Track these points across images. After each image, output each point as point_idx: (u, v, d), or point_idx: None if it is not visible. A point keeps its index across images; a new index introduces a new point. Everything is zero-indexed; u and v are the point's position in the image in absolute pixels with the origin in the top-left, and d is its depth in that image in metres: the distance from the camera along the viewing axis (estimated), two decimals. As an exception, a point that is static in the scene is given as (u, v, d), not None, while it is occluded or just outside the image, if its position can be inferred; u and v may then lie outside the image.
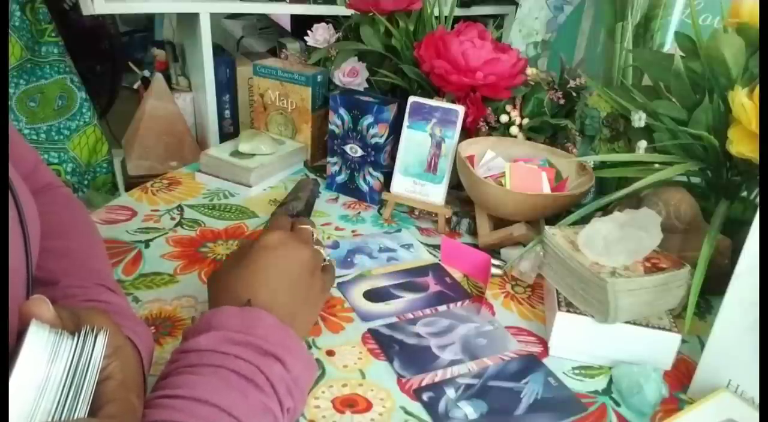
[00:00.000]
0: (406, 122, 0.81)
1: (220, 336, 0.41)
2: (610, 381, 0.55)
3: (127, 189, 1.30)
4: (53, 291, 0.43)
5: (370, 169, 0.87)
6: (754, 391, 0.49)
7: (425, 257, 0.74)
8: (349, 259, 0.72)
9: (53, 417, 0.31)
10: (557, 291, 0.59)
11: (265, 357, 0.41)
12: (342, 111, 0.85)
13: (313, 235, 0.57)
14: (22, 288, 0.37)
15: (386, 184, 0.85)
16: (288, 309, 0.48)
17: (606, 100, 0.78)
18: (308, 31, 1.01)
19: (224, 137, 1.48)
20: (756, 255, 0.46)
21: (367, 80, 0.97)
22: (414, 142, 0.81)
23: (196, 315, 0.59)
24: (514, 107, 0.85)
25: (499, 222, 0.76)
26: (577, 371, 0.56)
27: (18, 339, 0.32)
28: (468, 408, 0.50)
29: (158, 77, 1.44)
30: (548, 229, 0.62)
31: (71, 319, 0.35)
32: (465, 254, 0.71)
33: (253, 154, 0.91)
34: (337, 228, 0.80)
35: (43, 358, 0.32)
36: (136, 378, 0.38)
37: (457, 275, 0.71)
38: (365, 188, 0.88)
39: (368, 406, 0.49)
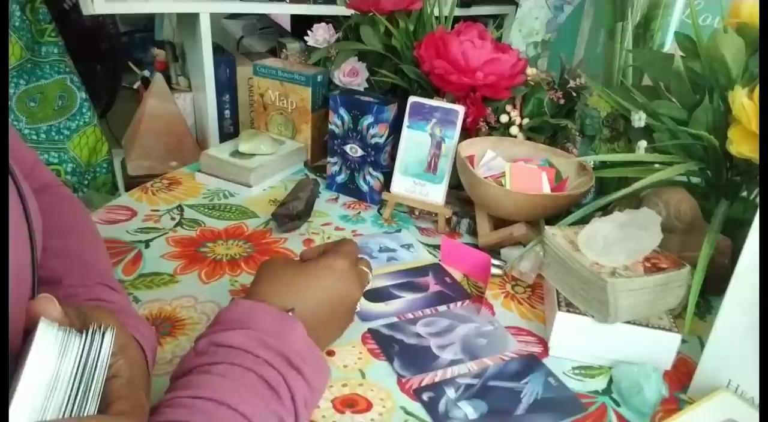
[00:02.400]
0: (406, 122, 0.81)
1: (255, 336, 0.42)
2: (610, 381, 0.55)
3: (127, 189, 1.30)
4: (56, 290, 0.43)
5: (370, 169, 0.87)
6: (754, 391, 0.49)
7: (425, 257, 0.74)
8: (349, 259, 0.72)
9: (64, 413, 0.31)
10: (557, 291, 0.59)
11: (293, 370, 0.42)
12: (342, 111, 0.85)
13: (369, 282, 0.58)
14: (28, 284, 0.37)
15: (386, 184, 0.85)
16: (317, 331, 0.48)
17: (606, 100, 0.78)
18: (308, 31, 1.01)
19: (224, 137, 1.48)
20: (756, 255, 0.46)
21: (367, 80, 0.97)
22: (414, 142, 0.81)
23: (196, 315, 0.59)
24: (514, 107, 0.85)
25: (499, 222, 0.76)
26: (577, 371, 0.56)
27: (24, 337, 0.33)
28: (468, 408, 0.50)
29: (158, 77, 1.44)
30: (548, 229, 0.62)
31: (78, 318, 0.36)
32: (465, 254, 0.71)
33: (253, 154, 0.91)
34: (337, 229, 0.80)
35: (53, 354, 0.32)
36: (143, 376, 0.38)
37: (457, 275, 0.71)
38: (365, 188, 0.88)
39: (368, 406, 0.49)
